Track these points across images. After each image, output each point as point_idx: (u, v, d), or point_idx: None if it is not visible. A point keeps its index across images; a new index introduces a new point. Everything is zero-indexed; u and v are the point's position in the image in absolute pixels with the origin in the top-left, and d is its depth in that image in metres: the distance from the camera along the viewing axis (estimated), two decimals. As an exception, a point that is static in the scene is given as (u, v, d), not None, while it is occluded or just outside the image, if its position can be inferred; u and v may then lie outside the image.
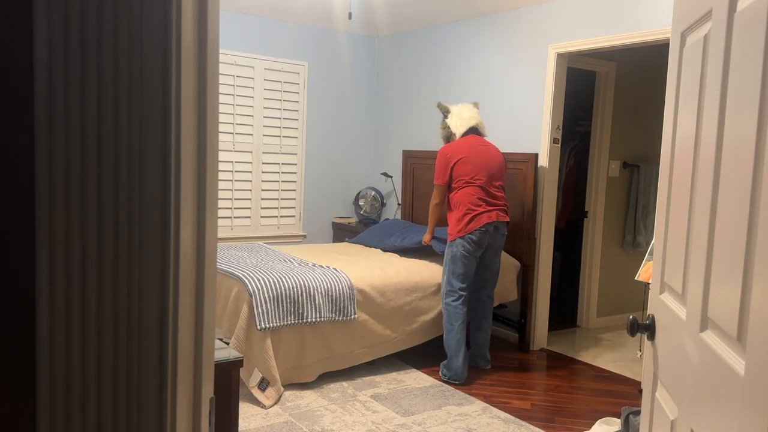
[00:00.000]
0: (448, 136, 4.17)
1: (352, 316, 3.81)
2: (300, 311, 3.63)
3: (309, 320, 3.66)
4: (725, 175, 1.09)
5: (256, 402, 3.46)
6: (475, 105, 4.23)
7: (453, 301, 3.94)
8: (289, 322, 3.59)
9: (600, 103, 5.21)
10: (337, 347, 3.80)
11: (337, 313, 3.76)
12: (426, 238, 4.28)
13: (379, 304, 3.94)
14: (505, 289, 4.50)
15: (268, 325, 3.50)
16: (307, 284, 3.70)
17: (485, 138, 4.18)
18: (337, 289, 3.78)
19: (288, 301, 3.60)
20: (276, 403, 3.47)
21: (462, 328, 3.94)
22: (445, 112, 4.20)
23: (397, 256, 4.55)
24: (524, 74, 4.74)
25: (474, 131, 4.11)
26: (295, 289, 3.64)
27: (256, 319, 3.48)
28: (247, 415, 3.30)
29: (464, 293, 3.94)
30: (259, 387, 3.46)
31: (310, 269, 3.94)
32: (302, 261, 4.18)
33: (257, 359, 3.50)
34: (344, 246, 5.03)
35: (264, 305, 3.51)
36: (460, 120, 4.13)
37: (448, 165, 3.98)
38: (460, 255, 3.91)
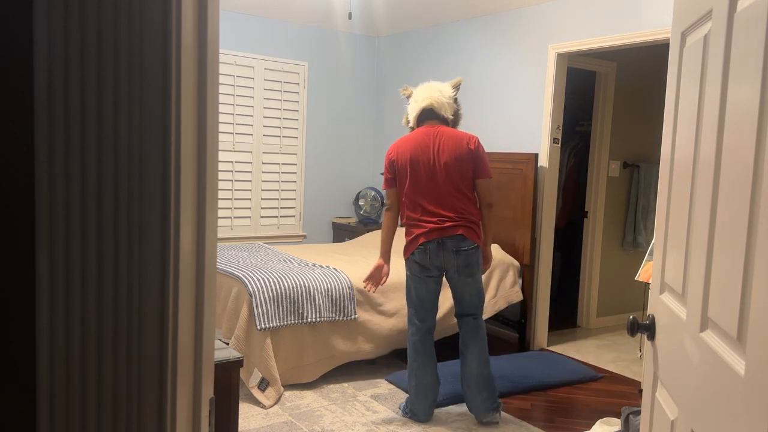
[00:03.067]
0: (410, 128, 3.42)
1: (353, 316, 3.80)
2: (300, 311, 3.63)
3: (309, 320, 3.66)
4: (725, 175, 1.09)
5: (256, 402, 3.46)
6: (454, 83, 3.36)
7: (409, 332, 3.34)
8: (289, 322, 3.59)
9: (600, 103, 5.21)
10: (337, 347, 3.80)
11: (338, 313, 3.76)
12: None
13: (380, 303, 3.94)
14: (507, 293, 4.49)
15: (268, 325, 3.50)
16: (307, 284, 3.70)
17: (449, 124, 3.32)
18: (337, 289, 3.78)
19: (288, 301, 3.60)
20: (276, 403, 3.47)
21: (422, 370, 3.27)
22: (409, 97, 3.44)
23: (396, 257, 4.54)
24: (524, 74, 4.74)
25: (429, 115, 3.28)
26: (295, 289, 3.64)
27: (256, 319, 3.48)
28: (247, 415, 3.30)
29: (421, 324, 3.28)
30: (259, 387, 3.46)
31: (310, 269, 3.94)
32: (302, 261, 4.18)
33: (257, 359, 3.50)
34: (344, 246, 5.03)
35: (264, 305, 3.51)
36: (414, 103, 3.33)
37: (389, 166, 3.32)
38: (406, 276, 3.35)
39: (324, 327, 3.74)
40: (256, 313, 3.48)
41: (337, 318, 3.75)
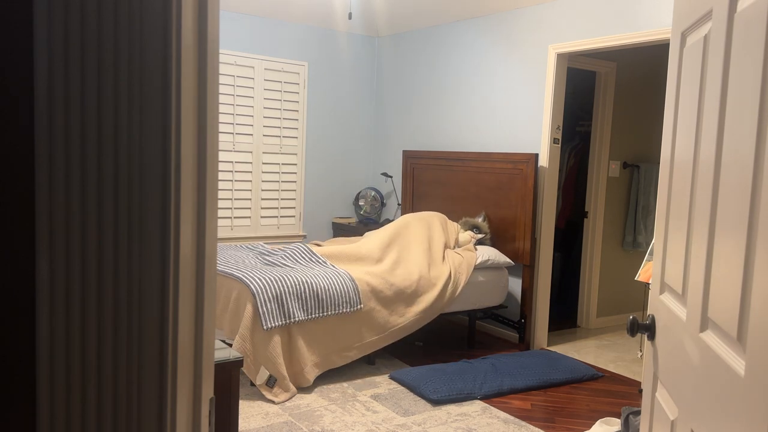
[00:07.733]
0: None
1: (358, 306, 3.83)
2: (305, 307, 3.66)
3: (314, 315, 3.68)
4: (725, 175, 1.09)
5: (257, 402, 3.46)
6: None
7: None
8: (297, 319, 3.62)
9: (600, 103, 5.21)
10: (346, 339, 3.83)
11: (342, 305, 3.79)
12: None
13: (381, 290, 3.97)
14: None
15: (274, 324, 3.53)
16: (309, 281, 3.72)
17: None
18: (339, 282, 3.82)
19: (293, 298, 3.62)
20: (287, 399, 3.50)
21: None
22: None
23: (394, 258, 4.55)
24: (524, 74, 4.74)
25: None
26: (297, 287, 3.66)
27: (261, 319, 3.50)
28: (247, 415, 3.30)
29: None
30: (267, 384, 3.49)
31: (310, 267, 3.97)
32: (302, 254, 4.20)
33: (263, 358, 3.52)
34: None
35: (268, 304, 3.53)
36: None
37: None
38: None
39: (331, 320, 3.77)
40: (261, 312, 3.50)
41: (343, 310, 3.79)
